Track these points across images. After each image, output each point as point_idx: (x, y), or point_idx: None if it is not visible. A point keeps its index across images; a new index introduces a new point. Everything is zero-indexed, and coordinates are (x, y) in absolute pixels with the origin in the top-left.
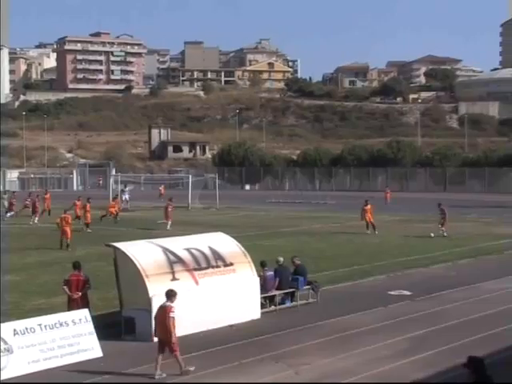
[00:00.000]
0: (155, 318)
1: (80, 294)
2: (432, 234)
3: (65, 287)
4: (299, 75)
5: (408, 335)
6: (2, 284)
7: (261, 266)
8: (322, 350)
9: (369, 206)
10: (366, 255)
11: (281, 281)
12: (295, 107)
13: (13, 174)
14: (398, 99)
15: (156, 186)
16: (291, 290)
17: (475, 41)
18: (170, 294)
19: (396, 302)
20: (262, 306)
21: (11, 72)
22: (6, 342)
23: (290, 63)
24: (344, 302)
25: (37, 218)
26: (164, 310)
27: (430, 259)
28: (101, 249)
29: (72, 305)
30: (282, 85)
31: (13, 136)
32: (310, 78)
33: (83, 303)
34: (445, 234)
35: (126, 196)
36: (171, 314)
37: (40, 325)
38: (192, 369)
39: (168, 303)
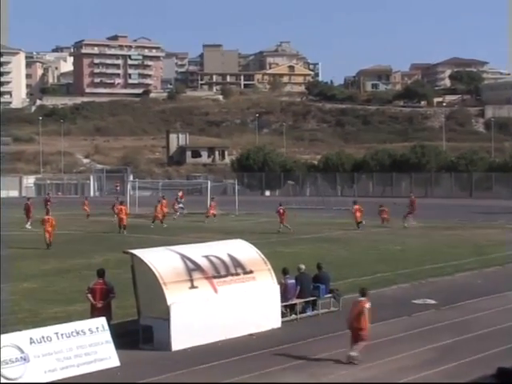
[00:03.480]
0: (350, 311)
1: (103, 303)
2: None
3: (89, 295)
4: (320, 78)
5: (434, 345)
6: (3, 294)
7: (282, 273)
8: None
9: (357, 206)
10: (389, 262)
11: (302, 289)
12: (316, 111)
13: (29, 180)
14: (422, 103)
15: (175, 191)
16: (312, 298)
17: (502, 42)
18: (365, 292)
19: (420, 311)
20: (283, 314)
21: (27, 76)
22: (22, 351)
23: (311, 66)
24: None
25: (29, 223)
26: (360, 304)
27: (456, 267)
28: (119, 256)
29: (95, 314)
30: (302, 88)
31: (29, 141)
32: (332, 82)
33: (106, 313)
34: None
35: (181, 204)
36: (367, 306)
37: (57, 333)
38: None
39: (362, 298)
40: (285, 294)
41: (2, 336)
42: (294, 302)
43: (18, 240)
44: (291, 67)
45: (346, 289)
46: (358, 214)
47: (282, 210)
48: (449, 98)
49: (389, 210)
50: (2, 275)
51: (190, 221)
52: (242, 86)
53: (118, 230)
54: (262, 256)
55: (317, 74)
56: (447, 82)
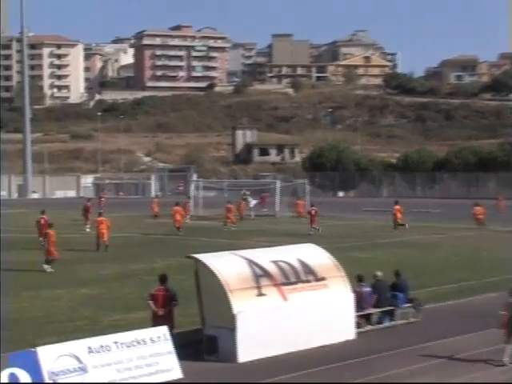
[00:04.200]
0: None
1: (165, 310)
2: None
3: (150, 302)
4: (399, 70)
5: None
6: (3, 307)
7: (357, 280)
8: (426, 375)
9: (398, 207)
10: (474, 270)
11: (379, 298)
12: (394, 105)
13: (87, 180)
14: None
15: (241, 192)
16: (390, 307)
17: None
18: None
19: None
20: (358, 325)
21: (86, 69)
22: (80, 361)
23: (389, 57)
24: (450, 322)
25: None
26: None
27: None
28: (182, 260)
29: (157, 322)
30: (379, 81)
31: (87, 138)
32: (411, 73)
33: (168, 321)
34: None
35: (252, 202)
36: None
37: (116, 342)
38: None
39: None
40: (360, 303)
41: (61, 344)
42: (369, 312)
43: (75, 243)
44: (367, 58)
45: (426, 298)
46: (399, 215)
47: (313, 211)
48: None
49: (485, 210)
50: (59, 280)
51: (258, 224)
52: (314, 79)
53: (177, 233)
54: (335, 262)
55: (395, 65)
56: None
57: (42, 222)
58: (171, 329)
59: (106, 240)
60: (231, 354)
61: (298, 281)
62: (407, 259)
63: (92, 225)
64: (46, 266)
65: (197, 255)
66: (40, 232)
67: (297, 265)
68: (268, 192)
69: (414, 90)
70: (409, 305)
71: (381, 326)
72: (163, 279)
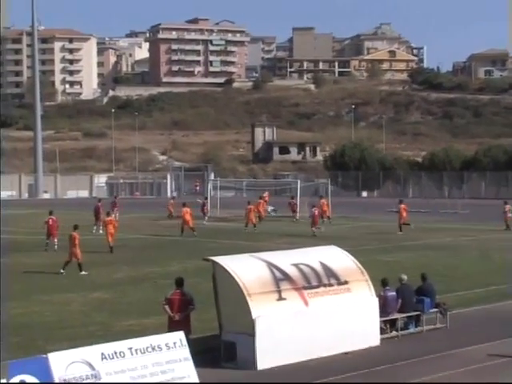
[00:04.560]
0: None
1: (181, 315)
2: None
3: (166, 307)
4: (425, 65)
5: None
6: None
7: (381, 284)
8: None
9: (403, 206)
10: (504, 274)
11: (404, 302)
12: (420, 102)
13: (100, 179)
14: None
15: (260, 192)
16: (416, 313)
17: None
18: None
19: None
20: (382, 331)
21: (99, 64)
22: (93, 367)
23: (415, 51)
24: (479, 328)
25: (100, 227)
26: None
27: None
28: (199, 263)
29: (173, 327)
30: (405, 76)
31: (100, 136)
32: (438, 68)
33: (185, 326)
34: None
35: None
36: None
37: (130, 349)
38: None
39: None
40: (384, 308)
41: (73, 350)
42: (394, 317)
43: (87, 245)
44: (392, 52)
45: (454, 303)
46: (405, 215)
47: (316, 212)
48: None
49: None
50: (71, 283)
51: (278, 225)
52: (337, 74)
53: (192, 234)
54: (359, 265)
55: (421, 60)
56: None
57: (51, 222)
58: (188, 334)
59: (111, 241)
60: (250, 361)
61: (320, 284)
62: (434, 262)
63: (102, 226)
64: (82, 273)
65: (214, 257)
66: (48, 233)
67: (319, 268)
68: (294, 198)
69: (441, 86)
70: (435, 310)
71: (406, 331)
72: (180, 282)
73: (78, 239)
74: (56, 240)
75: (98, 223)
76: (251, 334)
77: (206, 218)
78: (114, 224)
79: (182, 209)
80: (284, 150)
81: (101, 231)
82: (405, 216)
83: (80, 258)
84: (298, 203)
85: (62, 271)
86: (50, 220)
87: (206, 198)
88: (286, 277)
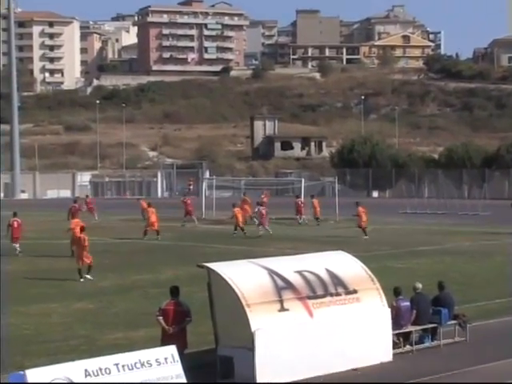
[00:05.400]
0: None
1: (176, 328)
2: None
3: (160, 318)
4: (442, 51)
5: None
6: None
7: (394, 293)
8: None
9: (361, 208)
10: None
11: (419, 313)
12: (437, 92)
13: (83, 177)
14: None
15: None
16: (432, 325)
17: None
18: None
19: None
20: (395, 345)
21: (82, 51)
22: None
23: (431, 36)
24: (501, 342)
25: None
26: None
27: None
28: (192, 270)
29: (167, 341)
30: (420, 63)
31: (84, 130)
32: (457, 55)
33: (181, 340)
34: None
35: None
36: None
37: (117, 364)
38: None
39: None
40: (397, 320)
41: (53, 366)
42: (408, 330)
43: (64, 251)
44: (406, 37)
45: (474, 314)
46: (365, 218)
47: (264, 211)
48: None
49: None
50: (52, 292)
51: (279, 228)
52: (344, 62)
53: (154, 237)
54: (369, 272)
55: (438, 46)
56: None
57: (15, 225)
58: (183, 349)
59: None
60: (249, 378)
61: (326, 294)
62: (451, 269)
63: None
64: (88, 276)
65: (210, 264)
66: (11, 236)
67: (325, 275)
68: (300, 198)
69: (460, 75)
70: (454, 322)
71: (421, 346)
72: (175, 292)
73: (87, 241)
74: (18, 244)
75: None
76: (250, 348)
77: (195, 218)
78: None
79: (148, 209)
80: (286, 146)
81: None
82: (365, 219)
83: (84, 262)
84: (303, 204)
85: (81, 279)
86: (15, 222)
87: (185, 196)
88: (289, 285)
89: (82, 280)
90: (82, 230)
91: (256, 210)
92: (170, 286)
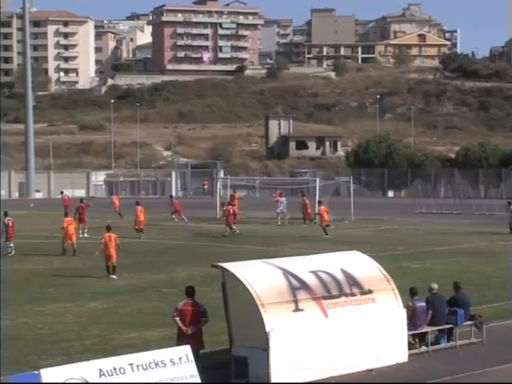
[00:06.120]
0: None
1: (194, 328)
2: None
3: (177, 319)
4: (459, 50)
5: None
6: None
7: (410, 294)
8: None
9: (323, 207)
10: None
11: (435, 314)
12: (454, 91)
13: (98, 177)
14: None
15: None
16: (448, 326)
17: None
18: None
19: None
20: (410, 345)
21: (97, 50)
22: None
23: (447, 35)
24: None
25: (85, 231)
26: None
27: None
28: (207, 270)
29: (184, 342)
30: (436, 63)
31: (98, 129)
32: (474, 54)
33: (197, 340)
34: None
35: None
36: None
37: (131, 364)
38: None
39: None
40: (413, 320)
41: (68, 366)
42: (424, 331)
43: (82, 250)
44: (422, 36)
45: (491, 315)
46: (326, 218)
47: (231, 210)
48: None
49: None
50: (66, 292)
51: (294, 228)
52: (360, 61)
53: (138, 235)
54: (384, 272)
55: (454, 45)
56: None
57: (10, 224)
58: (200, 349)
59: (68, 242)
60: (263, 379)
61: (341, 294)
62: (467, 269)
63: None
64: (113, 276)
65: (224, 264)
66: (6, 236)
67: (340, 275)
68: (306, 197)
69: (477, 74)
70: (470, 322)
71: (437, 346)
72: (191, 292)
73: (115, 240)
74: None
75: (83, 226)
76: (265, 348)
77: (174, 216)
78: (74, 225)
79: (136, 207)
80: (301, 145)
81: (86, 234)
82: (327, 219)
83: (115, 261)
84: (317, 204)
85: (113, 277)
86: (10, 222)
87: (172, 197)
88: (304, 285)
89: (111, 277)
90: (108, 229)
91: (224, 208)
92: (186, 286)
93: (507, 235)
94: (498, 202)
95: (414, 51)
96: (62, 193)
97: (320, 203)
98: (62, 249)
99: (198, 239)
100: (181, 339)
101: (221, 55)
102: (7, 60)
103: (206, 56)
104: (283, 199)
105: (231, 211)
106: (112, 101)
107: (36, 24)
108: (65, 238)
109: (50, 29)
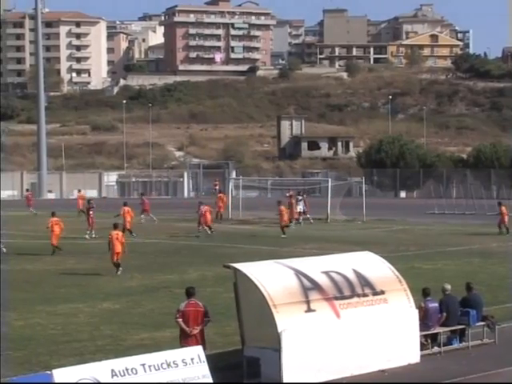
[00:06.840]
0: None
1: (198, 329)
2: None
3: (179, 320)
4: (471, 50)
5: None
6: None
7: (422, 294)
8: None
9: (282, 207)
10: None
11: (447, 315)
12: (466, 92)
13: (110, 177)
14: None
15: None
16: (461, 326)
17: None
18: None
19: None
20: (423, 346)
21: (109, 51)
22: None
23: (460, 35)
24: None
25: (93, 232)
26: None
27: None
28: (219, 270)
29: (188, 342)
30: (448, 63)
31: (110, 130)
32: (486, 54)
33: (201, 341)
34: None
35: (301, 206)
36: None
37: (143, 365)
38: None
39: None
40: (425, 321)
41: (80, 366)
42: (436, 331)
43: (93, 251)
44: (434, 36)
45: (503, 316)
46: (285, 218)
47: (204, 211)
48: None
49: None
50: (78, 293)
51: (306, 228)
52: (372, 61)
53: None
54: (396, 273)
55: (467, 45)
56: None
57: None
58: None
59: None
60: (275, 379)
61: (354, 295)
62: (480, 270)
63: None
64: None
65: (236, 264)
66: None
67: (352, 276)
68: (305, 196)
69: (489, 74)
70: (482, 323)
71: (450, 347)
72: (192, 292)
73: (123, 238)
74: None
75: (90, 227)
76: (277, 349)
77: (143, 216)
78: (61, 225)
79: (123, 208)
80: (313, 146)
81: (94, 235)
82: (286, 219)
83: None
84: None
85: (118, 273)
86: None
87: (143, 194)
88: (316, 286)
89: (118, 273)
90: (116, 227)
91: (198, 209)
92: (187, 286)
93: None
94: (511, 203)
95: (426, 52)
96: (89, 202)
97: (279, 203)
98: (52, 249)
99: (209, 240)
100: (185, 340)
101: (233, 56)
102: (19, 61)
103: (218, 56)
104: (300, 197)
105: (203, 211)
106: (124, 101)
107: (48, 25)
108: (51, 237)
109: (63, 29)
